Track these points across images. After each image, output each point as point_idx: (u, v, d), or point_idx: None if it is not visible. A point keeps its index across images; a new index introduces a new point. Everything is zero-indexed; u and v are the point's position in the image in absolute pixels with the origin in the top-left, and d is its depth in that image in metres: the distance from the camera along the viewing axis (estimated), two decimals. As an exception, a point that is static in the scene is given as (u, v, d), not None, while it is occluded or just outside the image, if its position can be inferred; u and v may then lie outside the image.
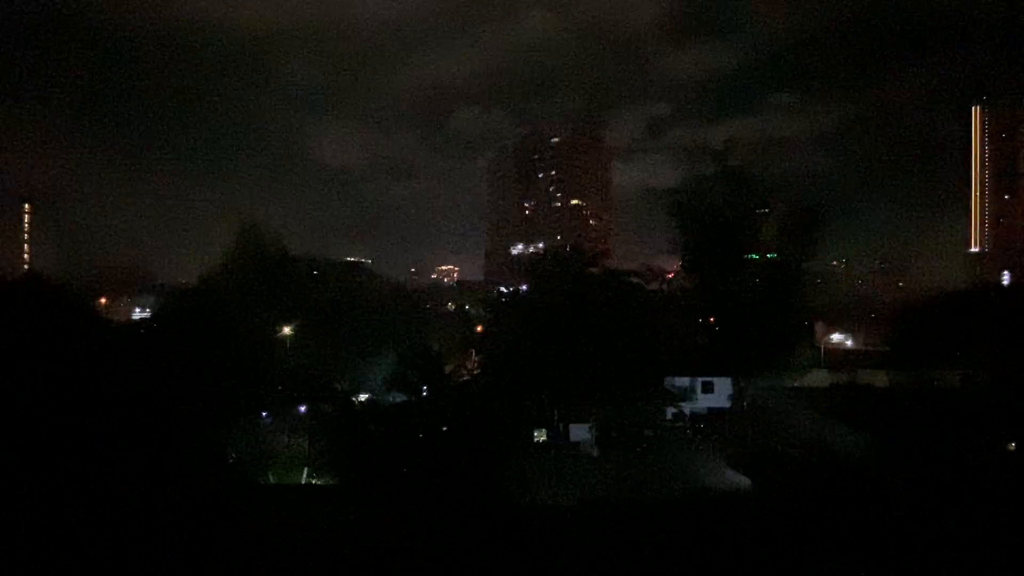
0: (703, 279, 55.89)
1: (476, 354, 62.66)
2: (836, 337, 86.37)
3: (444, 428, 36.33)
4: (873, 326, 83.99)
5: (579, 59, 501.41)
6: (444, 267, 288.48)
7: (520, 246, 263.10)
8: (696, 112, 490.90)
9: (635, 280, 58.13)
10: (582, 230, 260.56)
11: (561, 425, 50.87)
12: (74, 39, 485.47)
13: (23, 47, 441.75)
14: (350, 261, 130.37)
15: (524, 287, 74.91)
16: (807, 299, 61.47)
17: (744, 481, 38.57)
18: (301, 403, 47.92)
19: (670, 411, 52.92)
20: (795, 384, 60.80)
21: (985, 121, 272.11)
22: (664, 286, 60.39)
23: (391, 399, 44.25)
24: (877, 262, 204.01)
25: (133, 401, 31.55)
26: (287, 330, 54.80)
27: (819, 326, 77.00)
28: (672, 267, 62.15)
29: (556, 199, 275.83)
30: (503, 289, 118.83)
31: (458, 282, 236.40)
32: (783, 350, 55.00)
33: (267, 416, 46.81)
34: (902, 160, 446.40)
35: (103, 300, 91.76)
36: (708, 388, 55.70)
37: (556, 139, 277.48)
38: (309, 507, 32.58)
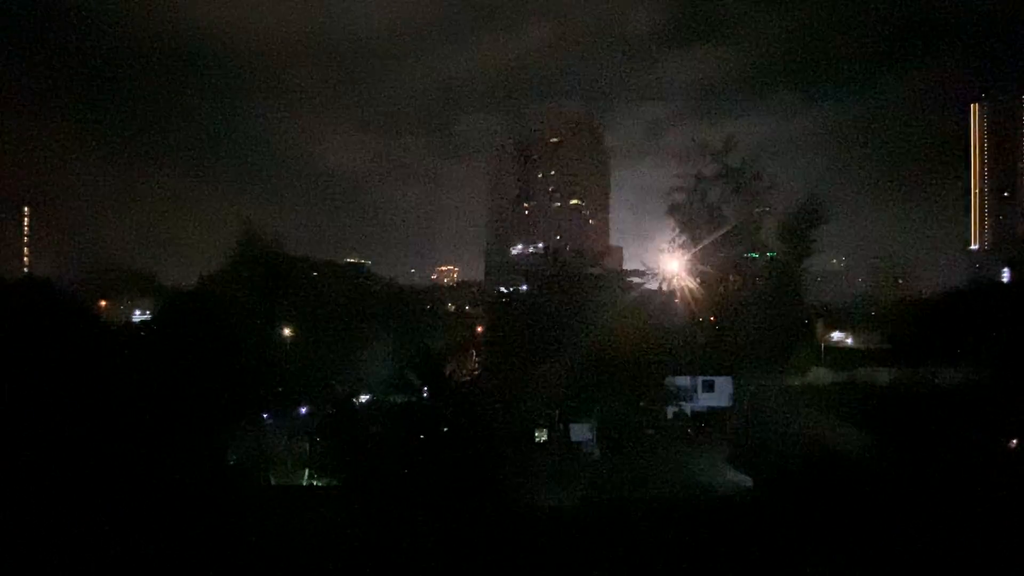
0: (703, 278, 55.91)
1: (476, 354, 62.59)
2: (836, 335, 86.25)
3: (445, 429, 36.29)
4: (873, 324, 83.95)
5: (578, 63, 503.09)
6: (444, 267, 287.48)
7: (520, 246, 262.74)
8: (695, 113, 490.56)
9: (635, 280, 58.14)
10: (581, 230, 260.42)
11: (561, 425, 50.81)
12: (76, 42, 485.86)
13: (25, 49, 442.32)
14: (350, 262, 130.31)
15: (524, 287, 74.80)
16: (807, 297, 61.52)
17: (745, 480, 38.52)
18: (302, 404, 47.90)
19: (671, 410, 52.85)
20: (796, 383, 60.73)
21: (984, 119, 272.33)
22: (664, 286, 60.33)
23: (392, 400, 44.22)
24: (876, 260, 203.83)
25: (133, 404, 31.52)
26: (287, 331, 54.79)
27: (819, 324, 76.88)
28: (672, 267, 62.06)
29: (555, 199, 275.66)
30: (503, 289, 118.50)
31: (458, 282, 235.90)
32: (784, 349, 54.99)
33: (268, 417, 46.80)
34: (902, 158, 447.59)
35: (103, 303, 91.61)
36: (709, 387, 55.62)
37: (555, 139, 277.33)
38: (310, 509, 32.58)
